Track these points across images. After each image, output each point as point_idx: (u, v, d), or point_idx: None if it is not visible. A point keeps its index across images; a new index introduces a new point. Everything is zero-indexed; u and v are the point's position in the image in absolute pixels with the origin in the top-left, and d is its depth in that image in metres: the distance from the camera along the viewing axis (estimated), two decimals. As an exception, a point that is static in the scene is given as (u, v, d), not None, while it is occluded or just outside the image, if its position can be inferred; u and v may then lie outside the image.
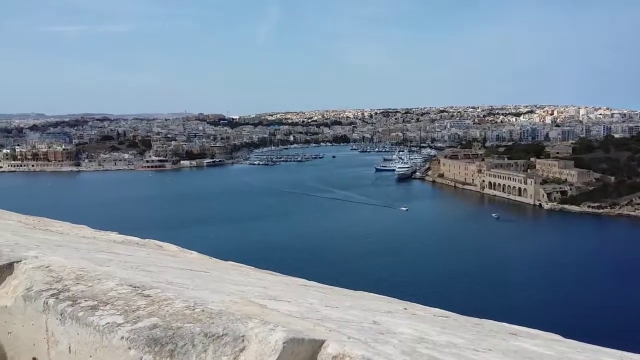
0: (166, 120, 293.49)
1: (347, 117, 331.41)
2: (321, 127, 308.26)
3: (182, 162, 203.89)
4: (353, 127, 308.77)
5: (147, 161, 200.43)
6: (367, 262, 70.33)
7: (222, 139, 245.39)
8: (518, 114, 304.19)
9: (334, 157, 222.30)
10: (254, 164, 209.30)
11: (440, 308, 3.26)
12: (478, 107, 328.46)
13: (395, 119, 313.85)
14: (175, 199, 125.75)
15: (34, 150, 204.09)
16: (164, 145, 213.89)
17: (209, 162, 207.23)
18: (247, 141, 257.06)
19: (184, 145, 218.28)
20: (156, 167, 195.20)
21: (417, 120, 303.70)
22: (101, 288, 1.85)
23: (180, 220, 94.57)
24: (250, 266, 4.47)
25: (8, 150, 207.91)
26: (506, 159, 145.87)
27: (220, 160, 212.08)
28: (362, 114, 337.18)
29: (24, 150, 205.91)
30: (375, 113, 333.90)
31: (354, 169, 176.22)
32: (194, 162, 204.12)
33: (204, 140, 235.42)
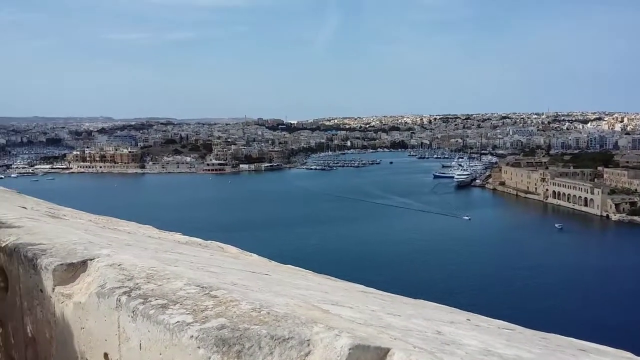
0: (226, 124, 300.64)
1: (405, 122, 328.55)
2: (379, 132, 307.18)
3: (241, 166, 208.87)
4: (411, 132, 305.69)
5: (208, 164, 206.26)
6: (426, 271, 69.37)
7: (280, 143, 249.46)
8: (585, 121, 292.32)
9: (391, 162, 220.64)
10: (311, 169, 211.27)
11: (504, 320, 3.16)
12: (542, 114, 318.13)
13: (455, 125, 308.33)
14: (233, 202, 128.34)
15: (101, 153, 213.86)
16: (224, 149, 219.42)
17: (267, 166, 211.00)
18: (305, 146, 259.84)
19: (243, 150, 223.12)
20: (216, 170, 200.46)
21: (478, 126, 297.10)
22: (170, 287, 1.90)
23: (239, 222, 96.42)
24: (308, 270, 4.50)
25: (78, 152, 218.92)
26: (572, 167, 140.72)
27: (277, 165, 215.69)
28: (421, 119, 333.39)
29: (92, 152, 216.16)
30: (435, 119, 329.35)
31: (411, 175, 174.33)
32: (252, 166, 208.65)
33: (262, 144, 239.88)
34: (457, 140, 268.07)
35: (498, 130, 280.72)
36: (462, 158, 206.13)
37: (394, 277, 57.07)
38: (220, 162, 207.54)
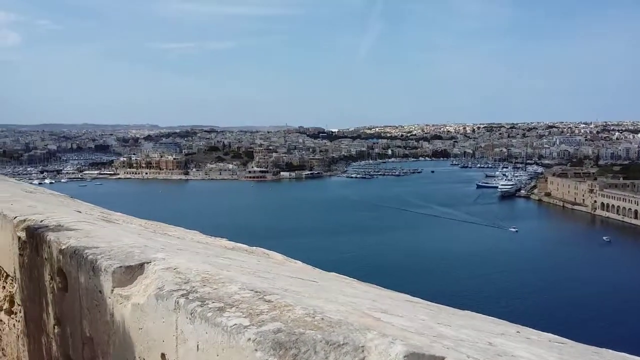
0: (268, 132, 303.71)
1: (448, 131, 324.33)
2: (420, 141, 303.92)
3: (282, 173, 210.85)
4: (454, 141, 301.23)
5: (250, 172, 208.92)
6: (472, 283, 68.14)
7: (320, 151, 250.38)
8: (636, 131, 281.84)
9: (432, 172, 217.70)
10: (351, 177, 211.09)
11: (553, 334, 3.10)
12: (591, 123, 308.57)
13: (500, 134, 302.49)
14: (274, 210, 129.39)
15: (147, 159, 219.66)
16: (266, 157, 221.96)
17: (308, 174, 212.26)
18: (345, 154, 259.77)
19: (284, 157, 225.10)
20: (258, 177, 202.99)
21: (523, 135, 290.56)
22: (226, 291, 1.96)
23: (279, 229, 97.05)
24: (353, 278, 4.52)
25: (125, 159, 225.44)
26: (622, 178, 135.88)
27: (318, 173, 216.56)
28: (464, 128, 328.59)
29: (138, 158, 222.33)
30: (478, 127, 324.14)
31: (453, 184, 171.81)
32: (293, 174, 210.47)
33: (303, 152, 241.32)
34: (501, 150, 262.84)
35: (544, 140, 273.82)
36: (506, 168, 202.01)
37: (437, 288, 56.25)
38: (261, 169, 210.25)
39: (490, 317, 3.58)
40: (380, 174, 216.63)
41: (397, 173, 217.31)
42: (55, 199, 7.06)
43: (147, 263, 2.44)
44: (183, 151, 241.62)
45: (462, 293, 58.48)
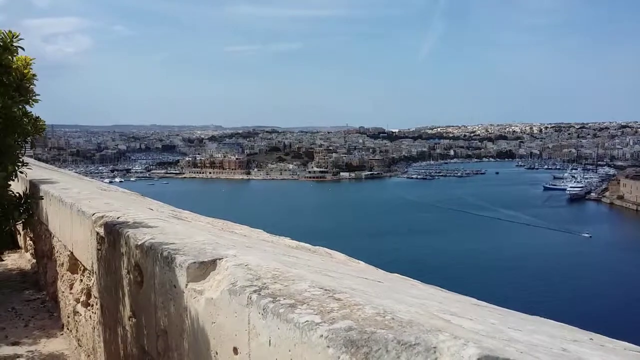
0: (328, 132, 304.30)
1: (514, 131, 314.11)
2: (484, 141, 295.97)
3: (341, 173, 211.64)
4: (519, 142, 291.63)
5: (310, 172, 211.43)
6: (540, 288, 65.93)
7: (380, 152, 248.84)
8: None
9: (497, 173, 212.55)
10: (412, 178, 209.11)
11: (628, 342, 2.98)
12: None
13: (569, 134, 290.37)
14: (333, 210, 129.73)
15: (211, 159, 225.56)
16: (325, 157, 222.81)
17: (367, 175, 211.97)
18: (406, 155, 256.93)
19: (344, 158, 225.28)
20: (317, 177, 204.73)
21: (594, 135, 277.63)
22: (296, 288, 2.00)
23: (338, 230, 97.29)
24: (416, 280, 4.49)
25: (190, 158, 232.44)
26: None
27: (378, 173, 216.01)
28: (531, 128, 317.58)
29: (203, 158, 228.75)
30: (546, 127, 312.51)
31: (519, 186, 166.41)
32: (352, 174, 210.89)
33: (363, 153, 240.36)
34: (570, 151, 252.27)
35: (617, 140, 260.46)
36: (575, 169, 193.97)
37: (501, 293, 54.75)
38: (321, 169, 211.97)
39: (560, 323, 3.47)
40: (441, 175, 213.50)
41: (459, 174, 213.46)
42: (128, 196, 7.39)
43: (219, 259, 2.52)
44: (245, 151, 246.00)
45: (530, 298, 56.66)
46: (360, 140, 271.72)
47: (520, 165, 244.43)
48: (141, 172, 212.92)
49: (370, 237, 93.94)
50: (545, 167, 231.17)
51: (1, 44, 3.51)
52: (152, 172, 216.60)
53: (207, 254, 2.62)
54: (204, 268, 2.49)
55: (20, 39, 3.64)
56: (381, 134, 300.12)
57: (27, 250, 9.56)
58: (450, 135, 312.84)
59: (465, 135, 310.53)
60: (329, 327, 1.60)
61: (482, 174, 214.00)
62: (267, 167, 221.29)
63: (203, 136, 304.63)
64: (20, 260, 9.39)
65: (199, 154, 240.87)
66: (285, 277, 2.17)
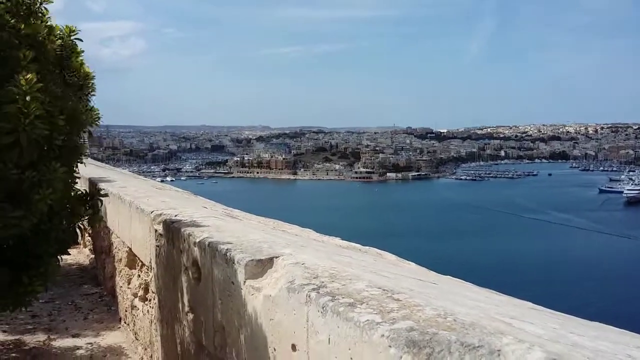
0: (375, 133, 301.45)
1: (567, 132, 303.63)
2: (536, 142, 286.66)
3: (388, 174, 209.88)
4: (574, 143, 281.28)
5: (356, 172, 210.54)
6: (598, 294, 63.56)
7: (428, 152, 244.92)
8: None
9: (550, 174, 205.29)
10: (461, 179, 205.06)
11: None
12: None
13: (626, 135, 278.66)
14: (380, 210, 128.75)
15: (258, 159, 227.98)
16: (372, 158, 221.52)
17: (415, 176, 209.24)
18: (455, 155, 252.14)
19: (390, 158, 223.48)
20: (364, 178, 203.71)
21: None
22: (354, 288, 2.01)
23: (386, 230, 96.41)
24: (468, 282, 4.42)
25: (238, 158, 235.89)
26: None
27: (425, 174, 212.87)
28: (585, 128, 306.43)
29: (250, 158, 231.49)
30: (601, 128, 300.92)
31: (573, 188, 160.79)
32: (399, 175, 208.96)
33: (410, 153, 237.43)
34: (627, 152, 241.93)
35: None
36: (633, 171, 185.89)
37: (556, 298, 52.90)
38: (367, 170, 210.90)
39: (621, 329, 3.35)
40: (491, 176, 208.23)
41: (510, 175, 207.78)
42: (181, 195, 7.56)
43: (276, 257, 2.56)
44: (292, 151, 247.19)
45: (586, 304, 54.68)
46: (408, 141, 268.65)
47: (575, 167, 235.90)
48: (191, 172, 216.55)
49: (418, 238, 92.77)
50: (601, 168, 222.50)
51: (63, 43, 3.64)
52: (201, 171, 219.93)
53: (263, 252, 2.66)
54: (262, 266, 2.54)
55: (78, 32, 3.73)
56: (429, 135, 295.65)
57: (85, 246, 9.94)
58: (501, 135, 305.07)
59: (516, 136, 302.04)
60: (390, 327, 1.60)
61: (534, 175, 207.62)
62: (313, 167, 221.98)
63: (251, 136, 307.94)
64: (79, 255, 9.78)
65: (246, 154, 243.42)
66: (342, 276, 2.18)
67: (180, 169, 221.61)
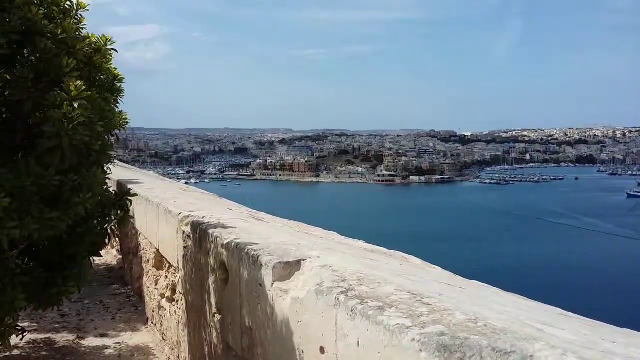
0: (398, 136, 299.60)
1: (594, 135, 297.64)
2: (562, 145, 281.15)
3: (411, 177, 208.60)
4: (601, 146, 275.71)
5: (379, 175, 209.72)
6: (625, 301, 62.30)
7: (452, 155, 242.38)
8: None
9: (576, 179, 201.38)
10: (485, 183, 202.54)
11: None
12: None
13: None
14: (404, 214, 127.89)
15: (281, 162, 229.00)
16: (395, 161, 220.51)
17: (438, 179, 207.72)
18: (479, 159, 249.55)
19: (413, 161, 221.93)
20: (386, 181, 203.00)
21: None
22: (382, 291, 2.01)
23: (411, 234, 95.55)
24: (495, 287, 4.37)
25: (261, 161, 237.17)
26: None
27: (449, 177, 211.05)
28: (613, 132, 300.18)
29: (273, 161, 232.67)
30: (630, 131, 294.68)
31: (600, 193, 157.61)
32: (422, 178, 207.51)
33: (433, 156, 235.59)
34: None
35: None
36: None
37: (584, 305, 51.67)
38: (390, 173, 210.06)
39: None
40: (516, 180, 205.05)
41: (535, 179, 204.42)
42: (207, 197, 7.62)
43: (303, 260, 2.58)
44: (315, 154, 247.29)
45: (615, 310, 53.54)
46: (431, 144, 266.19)
47: (602, 171, 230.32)
48: (215, 174, 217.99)
49: (443, 242, 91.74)
50: (630, 173, 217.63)
51: (94, 47, 3.74)
52: (225, 173, 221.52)
53: (290, 255, 2.68)
54: (289, 268, 2.56)
55: (113, 42, 3.86)
56: (452, 138, 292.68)
57: (112, 247, 10.09)
58: (526, 139, 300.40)
59: (542, 139, 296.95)
60: (421, 331, 1.60)
61: (560, 179, 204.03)
62: (336, 170, 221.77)
63: (274, 139, 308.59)
64: (107, 256, 9.92)
65: (269, 156, 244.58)
66: (370, 280, 2.18)
67: (204, 171, 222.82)
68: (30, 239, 3.17)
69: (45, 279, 3.60)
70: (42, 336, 6.04)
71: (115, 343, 5.93)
